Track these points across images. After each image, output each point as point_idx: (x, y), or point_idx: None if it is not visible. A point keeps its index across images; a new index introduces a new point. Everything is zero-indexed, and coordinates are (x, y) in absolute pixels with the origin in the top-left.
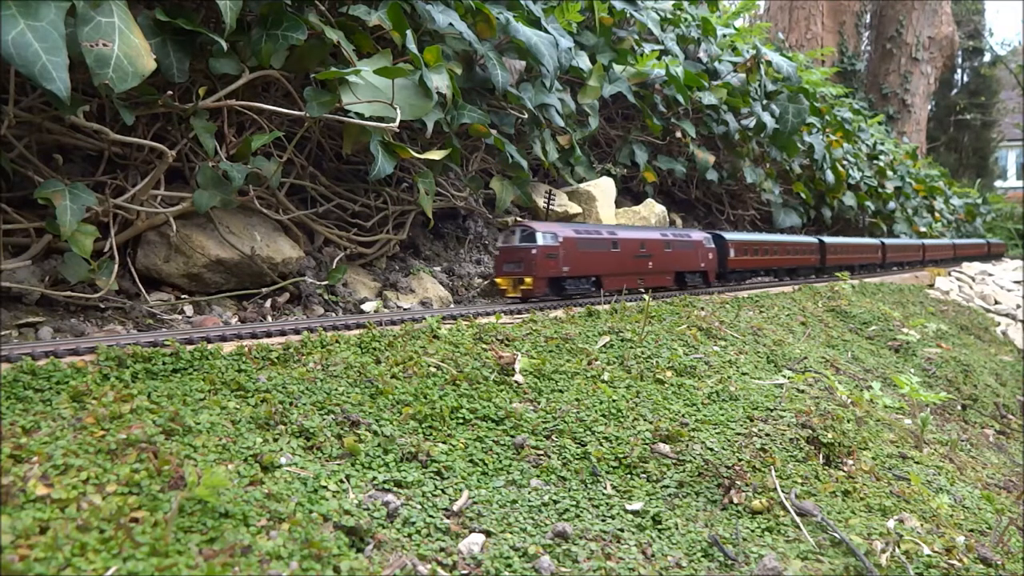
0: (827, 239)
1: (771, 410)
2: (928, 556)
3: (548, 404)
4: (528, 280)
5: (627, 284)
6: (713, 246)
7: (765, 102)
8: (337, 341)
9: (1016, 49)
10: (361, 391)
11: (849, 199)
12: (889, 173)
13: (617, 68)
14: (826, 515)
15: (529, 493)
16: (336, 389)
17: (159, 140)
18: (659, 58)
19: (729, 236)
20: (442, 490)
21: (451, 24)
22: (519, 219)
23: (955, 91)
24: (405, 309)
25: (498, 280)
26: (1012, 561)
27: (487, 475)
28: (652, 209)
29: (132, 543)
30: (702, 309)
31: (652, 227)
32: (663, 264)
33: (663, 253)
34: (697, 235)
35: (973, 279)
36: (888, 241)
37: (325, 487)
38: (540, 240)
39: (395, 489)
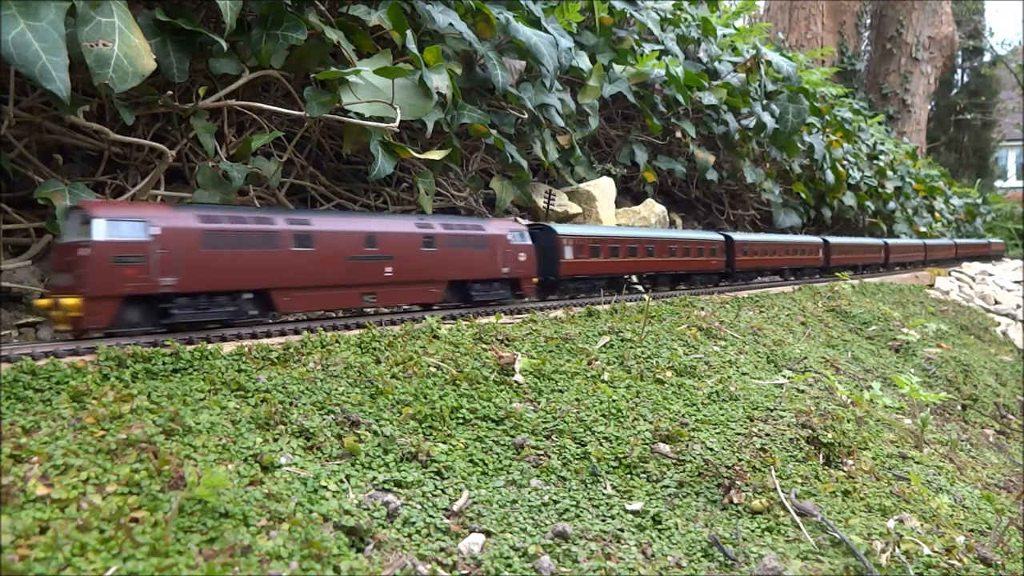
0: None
1: (771, 410)
2: (928, 556)
3: (548, 404)
4: (72, 302)
5: (337, 304)
6: (528, 243)
7: (765, 102)
8: (337, 341)
9: (1016, 49)
10: (361, 391)
11: (849, 199)
12: (889, 173)
13: (617, 68)
14: (826, 515)
15: (529, 493)
16: (336, 389)
17: (159, 140)
18: (659, 58)
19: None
20: (442, 490)
21: (451, 24)
22: (85, 200)
23: (955, 91)
24: (405, 309)
25: (40, 303)
26: (1012, 561)
27: (487, 475)
28: (652, 209)
29: (132, 543)
30: (702, 309)
31: (402, 217)
32: (421, 270)
33: (419, 255)
34: (498, 227)
35: (973, 279)
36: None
37: (325, 487)
38: (101, 232)
39: (395, 489)
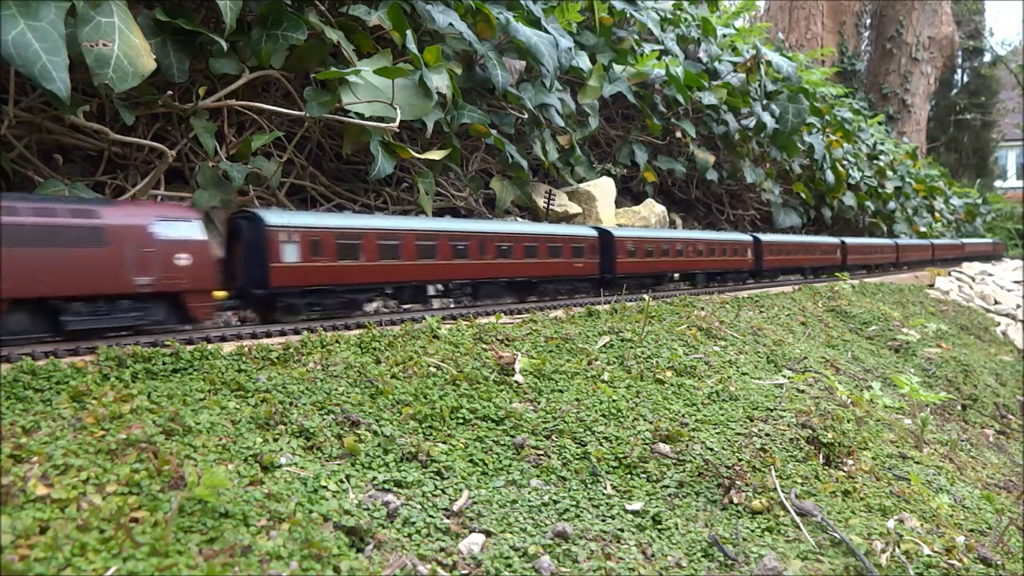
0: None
1: (771, 410)
2: (928, 556)
3: (548, 404)
4: None
5: None
6: (200, 237)
7: (765, 102)
8: (337, 341)
9: (1016, 49)
10: (361, 391)
11: (849, 199)
12: (889, 173)
13: (617, 68)
14: (826, 515)
15: (529, 493)
16: (336, 389)
17: (159, 140)
18: (659, 58)
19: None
20: (442, 490)
21: (451, 24)
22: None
23: (955, 91)
24: (405, 309)
25: None
26: (1012, 561)
27: (487, 475)
28: (652, 209)
29: (132, 543)
30: (702, 309)
31: None
32: None
33: None
34: (132, 213)
35: (973, 279)
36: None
37: (325, 487)
38: None
39: (395, 489)
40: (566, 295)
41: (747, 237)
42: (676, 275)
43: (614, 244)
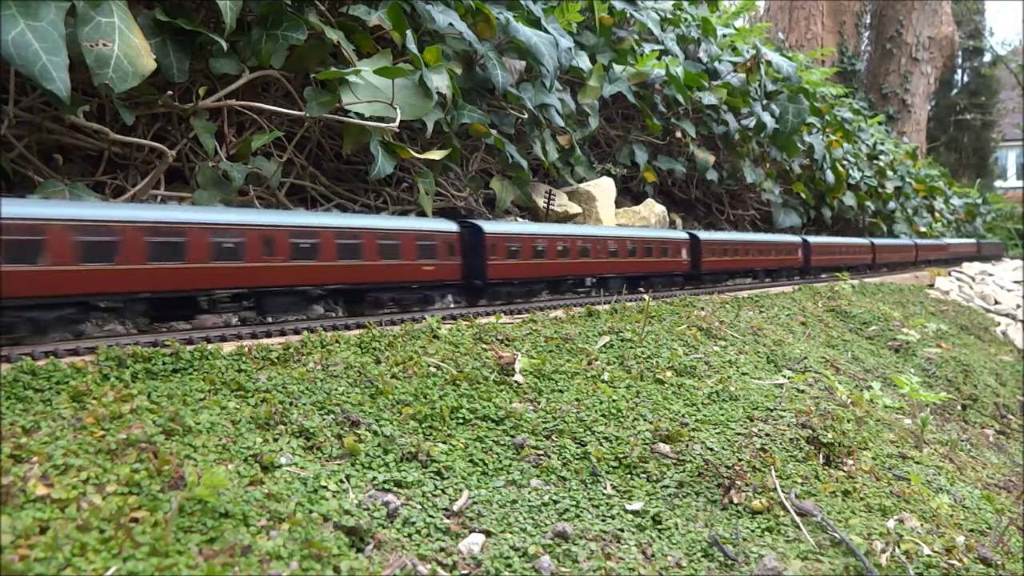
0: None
1: (771, 410)
2: (928, 556)
3: (548, 404)
4: None
5: None
6: None
7: (765, 102)
8: (337, 341)
9: (1016, 49)
10: (361, 391)
11: (849, 199)
12: (889, 173)
13: (617, 68)
14: (826, 515)
15: (529, 493)
16: (336, 389)
17: (159, 140)
18: (659, 58)
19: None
20: (442, 490)
21: (451, 24)
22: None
23: (955, 91)
24: (405, 308)
25: None
26: (1012, 561)
27: (487, 475)
28: (652, 209)
29: (132, 543)
30: (702, 309)
31: None
32: None
33: None
34: None
35: (973, 279)
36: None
37: (325, 487)
38: None
39: (395, 489)
40: (400, 309)
41: (682, 235)
42: (589, 280)
43: (484, 242)
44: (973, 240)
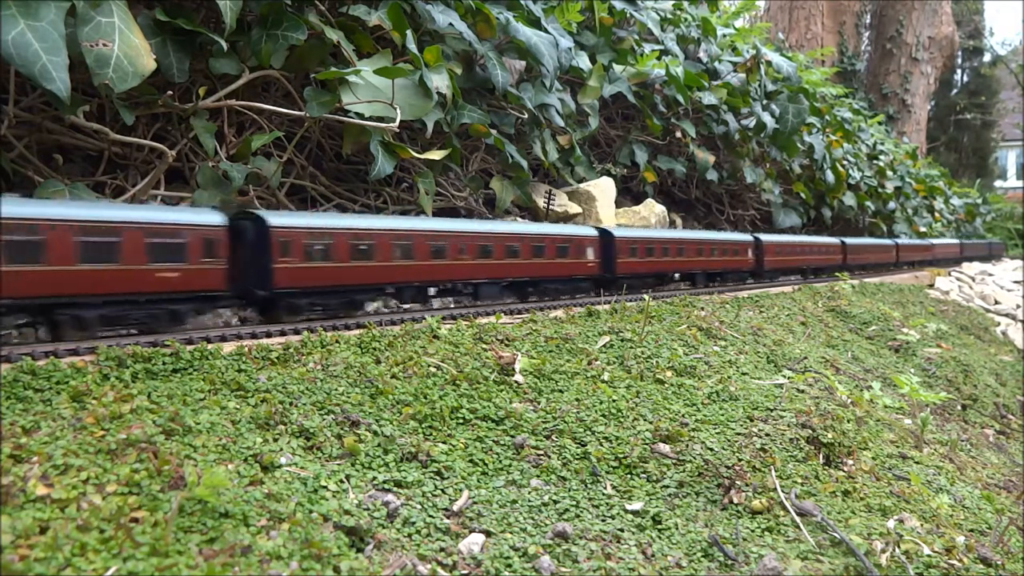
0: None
1: (771, 410)
2: (928, 556)
3: (548, 404)
4: None
5: None
6: None
7: (765, 102)
8: (337, 341)
9: (1016, 49)
10: (361, 391)
11: (849, 199)
12: (889, 173)
13: (617, 68)
14: (826, 515)
15: (529, 493)
16: (336, 389)
17: (159, 140)
18: (659, 58)
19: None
20: (442, 490)
21: (451, 24)
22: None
23: (955, 91)
24: (406, 308)
25: None
26: (1012, 561)
27: (487, 475)
28: (652, 209)
29: (132, 543)
30: (702, 309)
31: None
32: None
33: None
34: None
35: (973, 279)
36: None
37: (325, 487)
38: None
39: (395, 489)
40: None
41: (591, 232)
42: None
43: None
44: (956, 241)
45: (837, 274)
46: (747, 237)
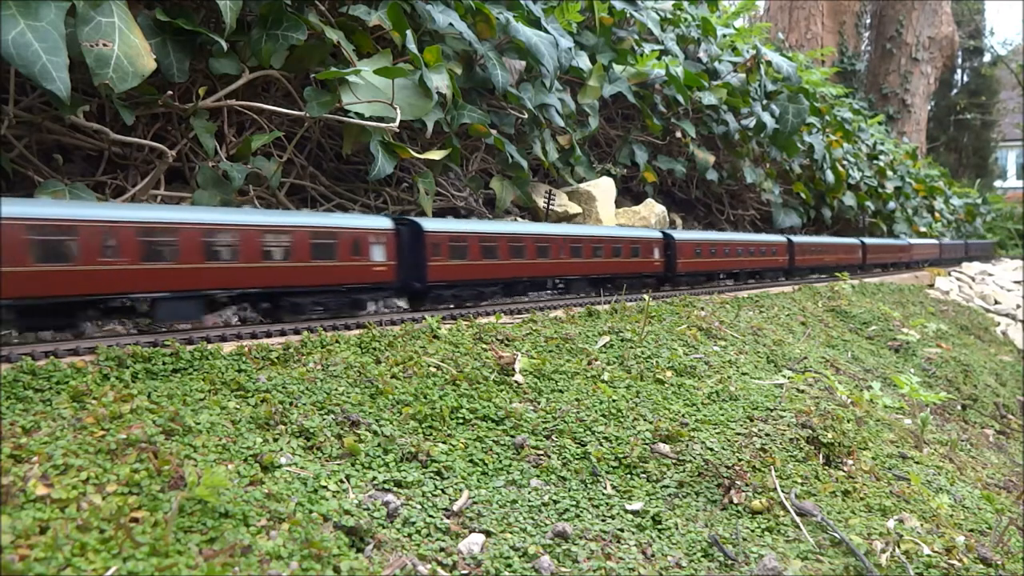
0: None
1: (771, 410)
2: (928, 556)
3: (548, 404)
4: None
5: None
6: None
7: (765, 102)
8: (337, 341)
9: (1016, 49)
10: (361, 391)
11: (849, 199)
12: (889, 173)
13: (617, 68)
14: (826, 515)
15: (529, 493)
16: (336, 389)
17: (159, 140)
18: (659, 58)
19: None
20: (442, 490)
21: (451, 24)
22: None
23: (955, 91)
24: (405, 308)
25: None
26: (1012, 561)
27: (487, 475)
28: (652, 209)
29: (132, 543)
30: (702, 309)
31: None
32: None
33: None
34: None
35: (973, 279)
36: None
37: (325, 487)
38: None
39: (395, 489)
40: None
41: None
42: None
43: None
44: (935, 241)
45: (837, 274)
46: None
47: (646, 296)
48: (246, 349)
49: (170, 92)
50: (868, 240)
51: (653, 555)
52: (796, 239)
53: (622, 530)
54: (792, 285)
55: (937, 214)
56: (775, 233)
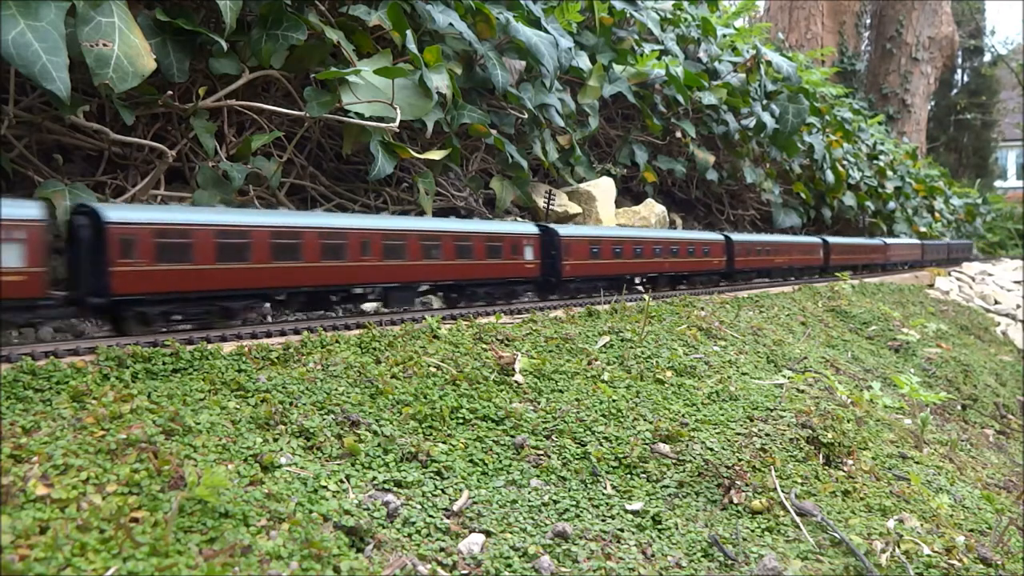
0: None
1: (771, 410)
2: (928, 556)
3: (548, 404)
4: None
5: None
6: None
7: (765, 102)
8: (337, 341)
9: (1016, 48)
10: (361, 391)
11: (849, 199)
12: (889, 173)
13: (617, 68)
14: (826, 515)
15: (529, 493)
16: (336, 389)
17: (159, 140)
18: (659, 58)
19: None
20: (442, 490)
21: (451, 24)
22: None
23: (955, 91)
24: (405, 309)
25: None
26: (1012, 561)
27: (487, 475)
28: (652, 209)
29: (132, 543)
30: (702, 309)
31: None
32: None
33: None
34: None
35: (973, 279)
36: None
37: (325, 487)
38: None
39: (395, 489)
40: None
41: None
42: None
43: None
44: (916, 241)
45: (838, 274)
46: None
47: (646, 296)
48: (246, 349)
49: (170, 92)
50: (833, 239)
51: (653, 555)
52: (737, 237)
53: (622, 530)
54: (730, 293)
55: (937, 214)
56: (714, 232)
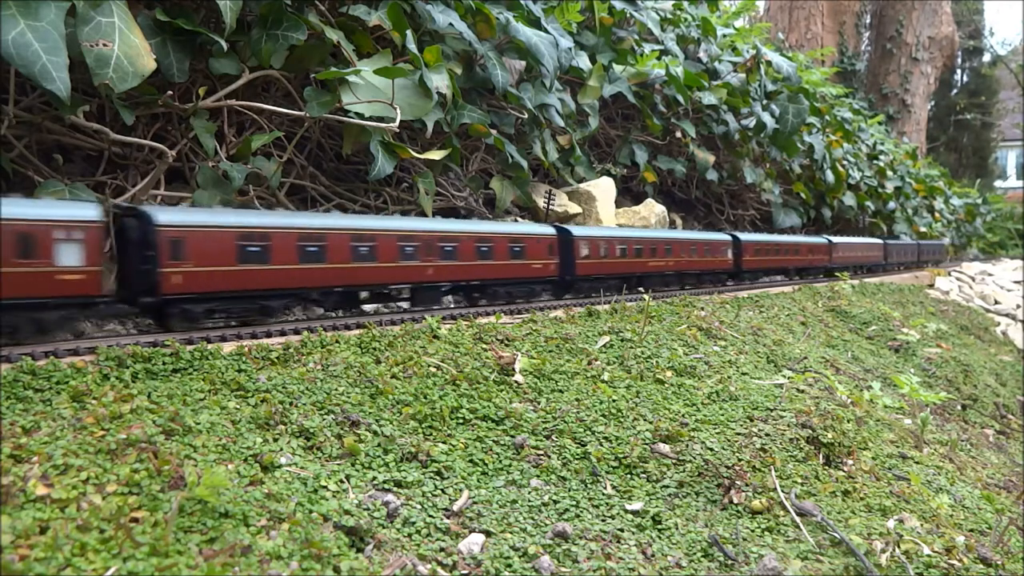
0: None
1: (771, 410)
2: (928, 556)
3: (548, 404)
4: None
5: None
6: None
7: (765, 102)
8: (337, 341)
9: (1016, 49)
10: (361, 391)
11: (849, 199)
12: (889, 173)
13: (617, 68)
14: (826, 515)
15: (529, 493)
16: (336, 389)
17: (159, 140)
18: (659, 58)
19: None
20: (442, 490)
21: (451, 24)
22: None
23: (955, 91)
24: (406, 309)
25: None
26: (1012, 561)
27: (487, 475)
28: (652, 209)
29: (132, 543)
30: (702, 309)
31: None
32: None
33: None
34: None
35: (973, 279)
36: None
37: (325, 487)
38: None
39: (395, 489)
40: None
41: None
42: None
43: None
44: (877, 240)
45: (838, 274)
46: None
47: (646, 296)
48: (246, 349)
49: (170, 92)
50: (747, 236)
51: (653, 555)
52: (744, 236)
53: (622, 530)
54: (730, 293)
55: (937, 214)
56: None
